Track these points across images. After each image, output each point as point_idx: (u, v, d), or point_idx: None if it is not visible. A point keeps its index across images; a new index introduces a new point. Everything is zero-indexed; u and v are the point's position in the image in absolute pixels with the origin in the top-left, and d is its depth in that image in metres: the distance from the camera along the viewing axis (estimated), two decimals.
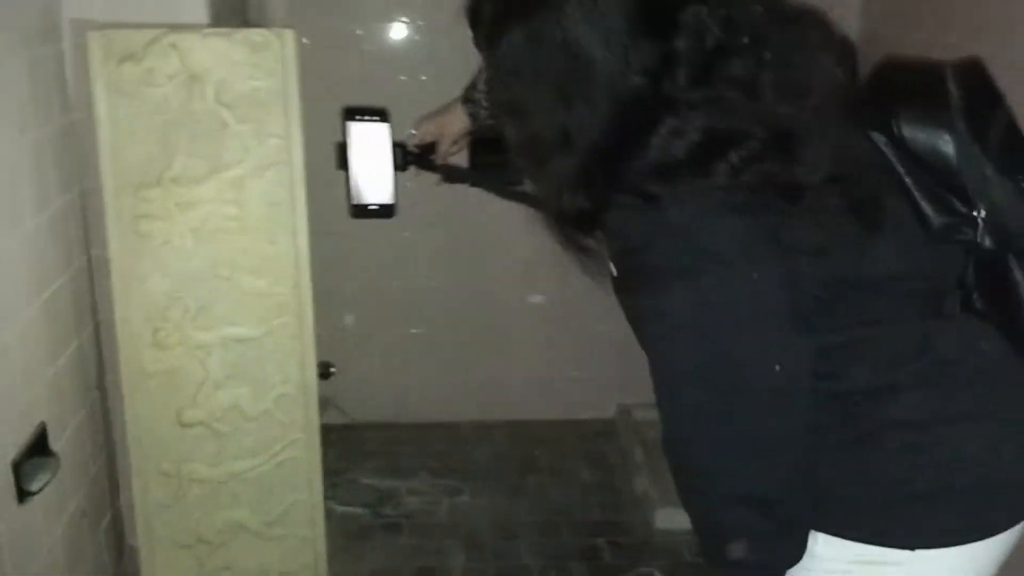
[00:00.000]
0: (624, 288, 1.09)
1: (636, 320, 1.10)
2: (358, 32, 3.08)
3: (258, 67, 2.01)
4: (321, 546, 2.40)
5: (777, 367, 1.04)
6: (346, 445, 3.16)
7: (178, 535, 2.28)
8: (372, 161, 1.59)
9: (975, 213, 1.07)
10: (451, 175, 1.71)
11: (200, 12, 2.09)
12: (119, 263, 2.06)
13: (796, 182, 0.99)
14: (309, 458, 2.31)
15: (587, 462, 3.19)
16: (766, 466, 1.08)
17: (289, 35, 2.02)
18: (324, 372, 2.50)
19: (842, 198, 1.03)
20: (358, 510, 2.87)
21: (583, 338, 3.33)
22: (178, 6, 2.07)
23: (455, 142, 1.70)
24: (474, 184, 1.72)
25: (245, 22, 2.54)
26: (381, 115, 1.60)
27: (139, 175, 2.03)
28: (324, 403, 2.37)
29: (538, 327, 3.35)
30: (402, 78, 3.11)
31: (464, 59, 3.03)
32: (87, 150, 2.09)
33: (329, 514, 2.46)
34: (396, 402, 3.37)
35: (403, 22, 3.09)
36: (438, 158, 1.70)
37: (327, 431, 2.40)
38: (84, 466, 2.10)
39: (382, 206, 1.59)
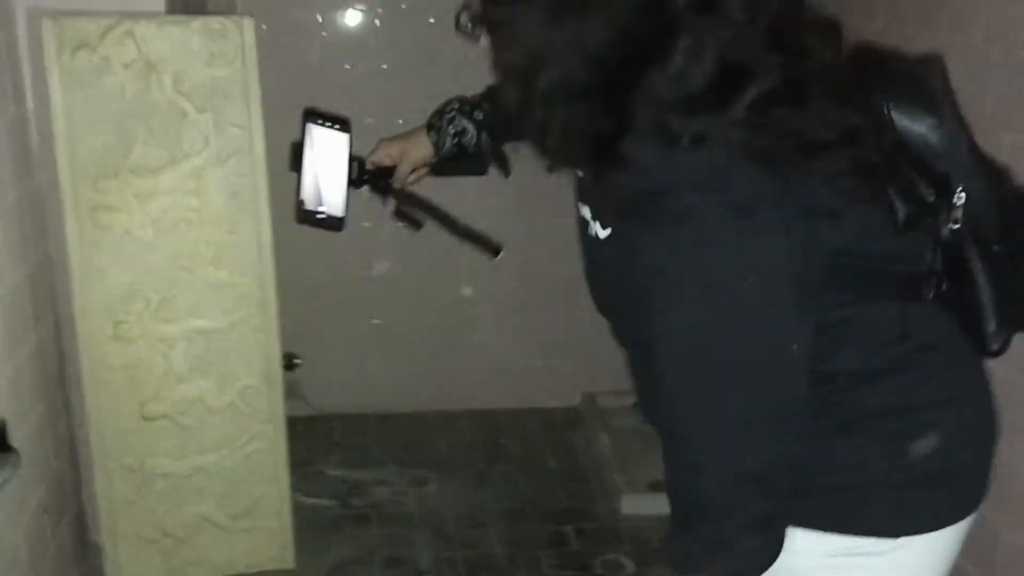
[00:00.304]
0: (630, 237, 1.01)
1: (638, 276, 1.02)
2: (317, 18, 3.05)
3: (217, 55, 1.99)
4: (288, 538, 2.39)
5: (785, 332, 1.00)
6: (312, 437, 3.14)
7: (143, 530, 2.26)
8: (327, 169, 1.50)
9: (954, 200, 1.07)
10: (406, 201, 1.60)
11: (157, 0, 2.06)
12: (78, 256, 2.03)
13: (811, 136, 0.98)
14: (275, 450, 2.30)
15: (553, 450, 3.20)
16: (768, 441, 1.03)
17: (248, 23, 2.00)
18: (289, 364, 2.49)
19: (853, 164, 1.01)
20: (325, 502, 2.86)
21: (548, 327, 3.33)
22: None
23: (414, 170, 1.62)
24: (424, 212, 1.60)
25: (203, 9, 2.51)
26: (343, 124, 1.52)
27: (97, 166, 2.00)
28: (289, 393, 2.35)
29: (503, 316, 3.35)
30: (361, 67, 3.09)
31: (424, 48, 3.04)
32: (43, 140, 2.05)
33: (296, 506, 2.45)
34: (362, 393, 3.35)
35: (360, 10, 3.06)
36: (395, 182, 1.60)
37: (293, 423, 2.39)
38: (45, 462, 2.07)
39: (331, 217, 1.50)
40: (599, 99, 0.98)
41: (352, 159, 1.52)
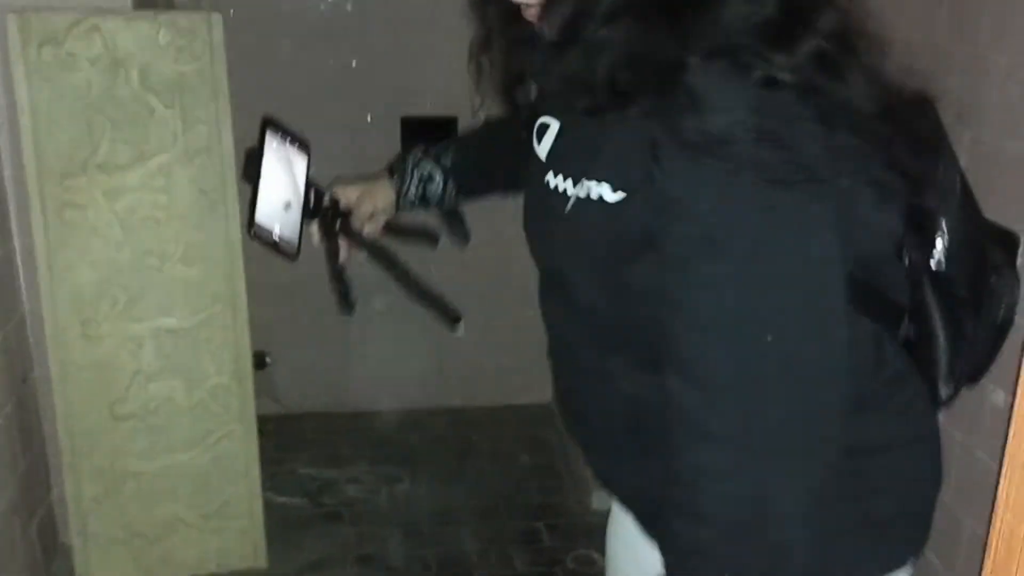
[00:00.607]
0: (674, 198, 0.87)
1: (683, 244, 0.88)
2: (285, 11, 3.03)
3: (184, 51, 1.98)
4: (260, 537, 2.38)
5: (839, 320, 0.89)
6: (283, 436, 3.12)
7: (113, 531, 2.24)
8: (284, 189, 1.28)
9: (937, 239, 1.03)
10: (364, 247, 1.40)
11: None
12: (45, 253, 2.02)
13: (862, 99, 0.89)
14: (246, 449, 2.29)
15: (525, 446, 3.21)
16: (828, 438, 0.90)
17: (216, 19, 1.99)
18: (259, 362, 2.48)
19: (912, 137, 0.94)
20: (297, 500, 2.85)
21: (519, 324, 3.33)
22: None
23: (372, 216, 1.40)
24: (382, 264, 1.41)
25: (171, 5, 2.49)
26: (303, 144, 1.31)
27: (63, 162, 1.98)
28: (260, 391, 2.34)
29: (473, 313, 3.34)
30: (330, 62, 3.08)
31: (394, 42, 3.03)
32: (10, 137, 2.03)
33: (267, 505, 2.44)
34: (333, 391, 3.34)
35: (328, 3, 3.05)
36: (355, 221, 1.41)
37: (263, 422, 2.38)
38: (13, 462, 2.05)
39: (285, 242, 1.27)
40: (667, 17, 0.87)
41: (309, 185, 1.32)
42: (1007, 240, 1.20)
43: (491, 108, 1.19)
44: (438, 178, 1.41)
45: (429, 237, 1.45)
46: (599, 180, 0.94)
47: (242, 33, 2.86)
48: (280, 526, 2.63)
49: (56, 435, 2.15)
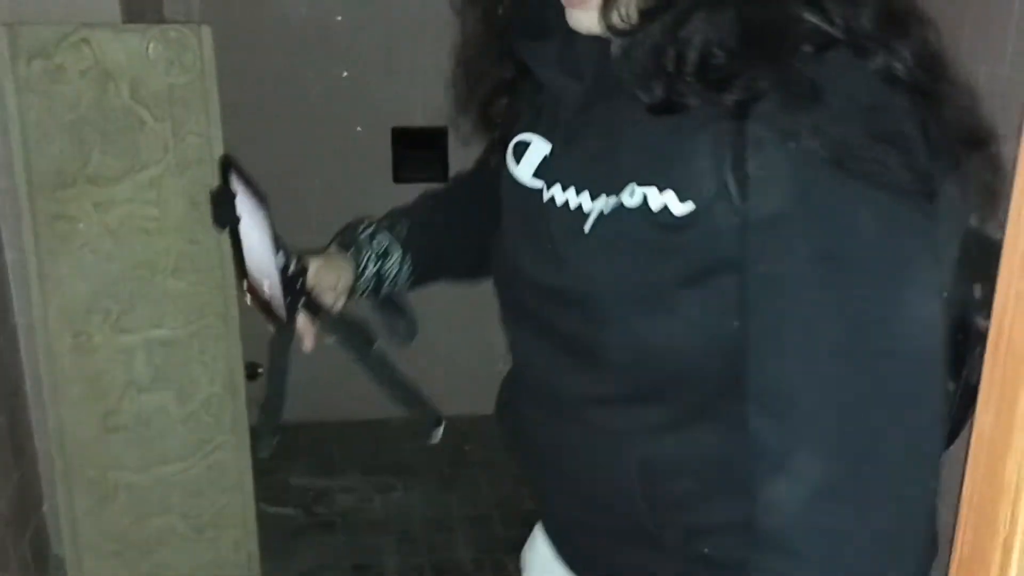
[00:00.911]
0: (790, 201, 0.75)
1: (794, 262, 0.76)
2: (275, 20, 3.04)
3: (175, 63, 1.98)
4: (254, 548, 2.38)
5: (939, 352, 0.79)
6: (276, 445, 3.13)
7: (106, 542, 2.24)
8: (260, 241, 1.06)
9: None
10: (332, 326, 1.16)
11: (113, 8, 2.05)
12: (36, 265, 2.02)
13: (954, 110, 0.82)
14: (238, 460, 2.29)
15: None
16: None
17: (206, 31, 2.00)
18: (252, 373, 2.48)
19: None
20: (290, 510, 2.85)
21: None
22: (90, 1, 2.03)
23: (335, 290, 1.18)
24: (355, 350, 1.19)
25: (160, 15, 2.50)
26: (261, 197, 1.05)
27: (54, 175, 1.99)
28: (252, 402, 2.34)
29: (464, 321, 3.36)
30: (321, 73, 3.09)
31: (385, 53, 3.04)
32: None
33: (261, 515, 2.44)
34: (325, 401, 3.34)
35: (319, 13, 3.06)
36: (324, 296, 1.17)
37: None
38: (6, 474, 2.05)
39: (275, 303, 1.08)
40: None
41: (277, 244, 1.05)
42: (992, 249, 1.14)
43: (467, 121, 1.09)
44: (395, 254, 1.20)
45: (364, 336, 1.18)
46: (660, 187, 0.81)
47: (232, 45, 2.87)
48: (274, 536, 2.63)
49: (48, 447, 2.15)
